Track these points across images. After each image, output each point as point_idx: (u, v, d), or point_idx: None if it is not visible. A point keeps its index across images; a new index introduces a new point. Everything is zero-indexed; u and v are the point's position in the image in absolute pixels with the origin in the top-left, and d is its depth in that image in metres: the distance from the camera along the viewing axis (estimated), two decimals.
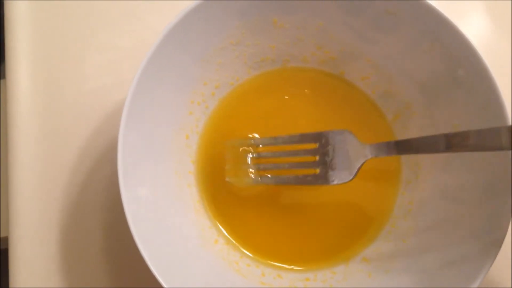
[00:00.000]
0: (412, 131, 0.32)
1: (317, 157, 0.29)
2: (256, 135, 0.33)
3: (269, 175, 0.31)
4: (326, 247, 0.32)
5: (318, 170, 0.29)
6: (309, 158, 0.30)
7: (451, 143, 0.24)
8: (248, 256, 0.31)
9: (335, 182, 0.28)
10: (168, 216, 0.28)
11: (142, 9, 0.37)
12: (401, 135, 0.33)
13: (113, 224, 0.33)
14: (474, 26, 0.38)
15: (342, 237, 0.32)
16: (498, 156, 0.26)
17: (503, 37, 0.38)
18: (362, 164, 0.28)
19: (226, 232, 0.32)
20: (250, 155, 0.31)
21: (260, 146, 0.32)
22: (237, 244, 0.32)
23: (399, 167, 0.33)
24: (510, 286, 0.32)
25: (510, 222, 0.24)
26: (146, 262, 0.24)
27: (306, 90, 0.34)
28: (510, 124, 0.25)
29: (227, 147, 0.32)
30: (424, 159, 0.31)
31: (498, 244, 0.24)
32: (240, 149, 0.32)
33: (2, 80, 0.43)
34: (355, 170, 0.28)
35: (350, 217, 0.32)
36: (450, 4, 0.33)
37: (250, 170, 0.31)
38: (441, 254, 0.27)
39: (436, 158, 0.30)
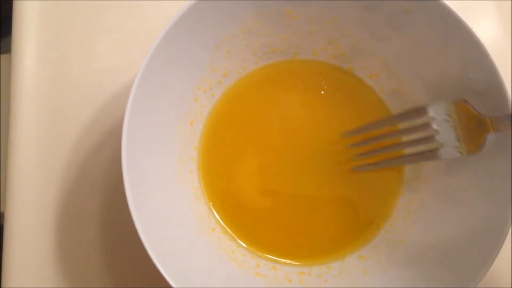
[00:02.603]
0: None
1: (437, 130, 0.27)
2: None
3: (387, 160, 0.31)
4: (323, 243, 0.32)
5: (441, 143, 0.27)
6: (426, 133, 0.28)
7: None
8: (244, 247, 0.31)
9: (463, 154, 0.27)
10: (169, 200, 0.28)
11: None
12: None
13: (112, 205, 0.33)
14: (483, 27, 0.38)
15: (340, 234, 0.32)
16: (498, 158, 0.26)
17: (509, 37, 0.38)
18: (486, 137, 0.26)
19: (223, 221, 0.32)
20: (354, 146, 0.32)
21: (365, 132, 0.31)
22: (233, 235, 0.32)
23: (402, 168, 0.33)
24: (510, 286, 0.32)
25: (510, 225, 0.24)
26: (144, 245, 0.24)
27: (314, 83, 0.34)
28: None
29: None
30: (427, 161, 0.31)
31: (498, 246, 0.24)
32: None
33: (5, 55, 0.43)
34: (481, 143, 0.26)
35: (349, 215, 0.32)
36: (459, 4, 0.33)
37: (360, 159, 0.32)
38: (440, 255, 0.27)
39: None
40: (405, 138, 0.29)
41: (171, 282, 0.24)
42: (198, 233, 0.29)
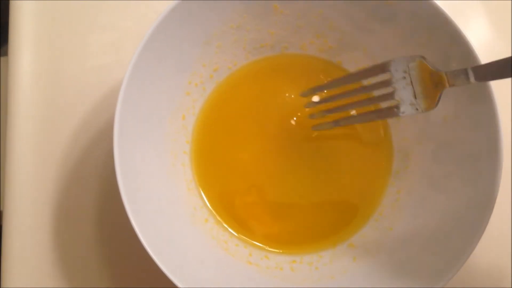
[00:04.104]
0: (406, 122, 0.32)
1: (394, 87, 0.28)
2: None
3: (346, 118, 0.32)
4: (314, 232, 0.33)
5: (399, 100, 0.28)
6: (385, 90, 0.28)
7: None
8: (236, 237, 0.32)
9: (420, 110, 0.27)
10: (162, 193, 0.29)
11: None
12: (394, 126, 0.33)
13: (108, 200, 0.34)
14: (473, 26, 0.39)
15: (330, 222, 0.33)
16: (483, 146, 0.26)
17: (501, 38, 0.38)
18: (442, 92, 0.27)
19: (216, 212, 0.33)
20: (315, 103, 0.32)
21: (324, 91, 0.32)
22: (226, 225, 0.32)
23: (390, 157, 0.33)
24: (510, 286, 0.33)
25: (492, 210, 0.25)
26: (139, 238, 0.24)
27: (304, 77, 0.35)
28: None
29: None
30: (414, 150, 0.32)
31: (480, 231, 0.25)
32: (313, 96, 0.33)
33: (4, 57, 0.43)
34: (437, 98, 0.27)
35: (339, 204, 0.33)
36: (449, 4, 0.33)
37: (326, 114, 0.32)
38: (426, 240, 0.28)
39: (425, 148, 0.31)
40: (365, 95, 0.30)
41: (166, 271, 0.24)
42: (191, 224, 0.30)
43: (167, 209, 0.29)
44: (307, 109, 0.33)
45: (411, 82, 0.27)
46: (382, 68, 0.28)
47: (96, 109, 0.35)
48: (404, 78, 0.27)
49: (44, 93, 0.35)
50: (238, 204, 0.33)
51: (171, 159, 0.31)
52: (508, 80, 0.36)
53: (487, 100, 0.26)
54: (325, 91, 0.33)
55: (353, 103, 0.31)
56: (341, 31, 0.31)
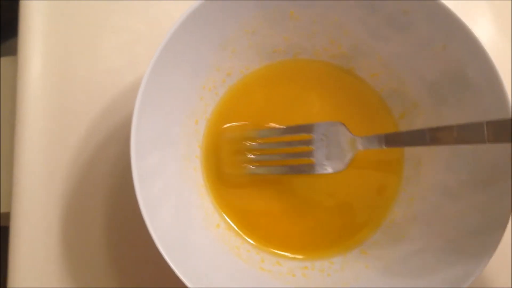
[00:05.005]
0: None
1: (313, 147, 0.31)
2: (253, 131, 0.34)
3: (266, 166, 0.32)
4: (325, 238, 0.33)
5: (313, 160, 0.31)
6: (304, 149, 0.31)
7: (435, 136, 0.26)
8: (248, 242, 0.32)
9: (329, 171, 0.30)
10: (175, 198, 0.29)
11: None
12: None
13: (117, 203, 0.33)
14: (479, 26, 0.39)
15: (342, 229, 0.33)
16: (498, 155, 0.26)
17: (505, 37, 0.39)
18: (353, 155, 0.30)
19: (228, 217, 0.32)
20: (248, 147, 0.33)
21: (258, 138, 0.33)
22: (237, 230, 0.32)
23: (401, 163, 0.33)
24: (510, 286, 0.33)
25: (510, 222, 0.25)
26: (153, 239, 0.24)
27: (315, 83, 0.35)
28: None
29: (224, 140, 0.33)
30: (426, 157, 0.32)
31: (496, 242, 0.25)
32: (238, 141, 0.33)
33: (12, 57, 0.43)
34: (348, 161, 0.30)
35: (351, 210, 0.33)
36: (456, 4, 0.34)
37: (248, 160, 0.32)
38: (441, 251, 0.28)
39: (438, 156, 0.31)
40: (288, 150, 0.32)
41: (178, 273, 0.24)
42: (203, 229, 0.30)
43: (181, 215, 0.28)
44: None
45: (328, 144, 0.30)
46: (308, 129, 0.31)
47: (106, 112, 0.35)
48: (322, 140, 0.30)
49: (54, 94, 0.35)
50: (249, 210, 0.33)
51: (184, 163, 0.31)
52: None
53: (503, 109, 0.26)
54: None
55: (277, 153, 0.32)
56: (356, 38, 0.32)
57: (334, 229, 0.33)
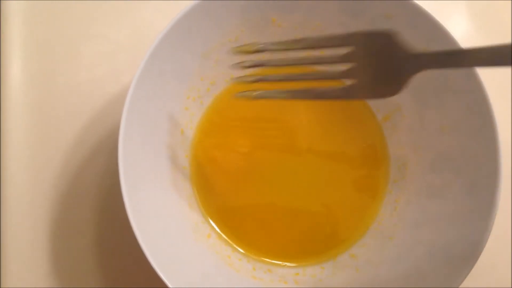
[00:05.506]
0: (402, 131, 0.33)
1: (351, 65, 0.22)
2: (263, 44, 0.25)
3: (286, 89, 0.25)
4: (315, 243, 0.33)
5: (356, 81, 0.23)
6: (341, 67, 0.23)
7: None
8: (239, 251, 0.32)
9: (378, 96, 0.22)
10: (164, 209, 0.28)
11: (137, 3, 0.37)
12: (390, 135, 0.34)
13: (106, 213, 0.33)
14: (457, 27, 0.40)
15: (330, 233, 0.33)
16: (484, 156, 0.27)
17: (483, 37, 0.39)
18: (412, 77, 0.22)
19: (218, 227, 0.32)
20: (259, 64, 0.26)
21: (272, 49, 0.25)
22: (228, 240, 0.32)
23: (387, 166, 0.34)
24: (510, 286, 0.34)
25: (494, 219, 0.26)
26: (142, 250, 0.24)
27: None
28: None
29: (234, 51, 0.26)
30: (412, 159, 0.32)
31: (483, 242, 0.25)
32: (248, 57, 0.26)
33: None
34: (404, 83, 0.22)
35: (339, 214, 0.33)
36: (432, 4, 0.34)
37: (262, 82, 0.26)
38: (430, 251, 0.28)
39: (423, 158, 0.31)
40: (321, 68, 0.24)
41: (169, 284, 0.24)
42: (194, 239, 0.29)
43: (170, 223, 0.28)
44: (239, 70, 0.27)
45: (375, 61, 0.22)
46: (346, 39, 0.23)
47: (89, 125, 0.35)
48: (372, 55, 0.22)
49: (36, 105, 0.35)
50: (240, 218, 0.33)
51: (172, 174, 0.30)
52: (507, 87, 0.37)
53: (484, 108, 0.27)
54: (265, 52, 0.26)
55: (293, 74, 0.25)
56: None
57: (323, 234, 0.33)
